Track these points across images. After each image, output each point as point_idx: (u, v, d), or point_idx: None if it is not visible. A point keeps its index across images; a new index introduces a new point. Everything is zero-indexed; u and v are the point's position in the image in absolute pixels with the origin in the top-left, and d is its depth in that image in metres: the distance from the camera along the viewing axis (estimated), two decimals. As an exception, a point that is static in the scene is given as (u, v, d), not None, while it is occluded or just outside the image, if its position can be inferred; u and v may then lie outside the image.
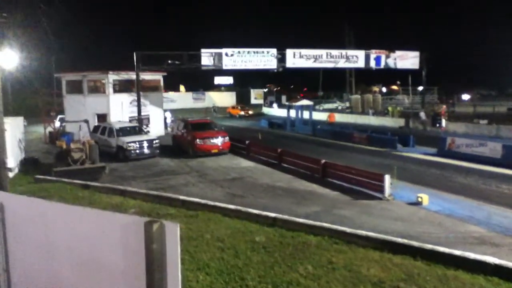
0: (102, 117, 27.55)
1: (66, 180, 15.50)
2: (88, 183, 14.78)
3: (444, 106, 38.74)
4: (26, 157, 20.79)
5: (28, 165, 19.46)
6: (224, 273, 7.02)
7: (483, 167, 17.97)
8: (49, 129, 29.38)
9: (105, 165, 17.79)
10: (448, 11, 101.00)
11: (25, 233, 3.23)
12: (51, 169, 16.85)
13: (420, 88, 45.58)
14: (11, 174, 16.43)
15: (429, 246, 7.95)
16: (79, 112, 25.97)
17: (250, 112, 53.32)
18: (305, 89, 68.49)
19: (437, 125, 32.98)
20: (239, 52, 33.62)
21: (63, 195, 13.06)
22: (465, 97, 66.13)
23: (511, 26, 65.35)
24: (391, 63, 38.06)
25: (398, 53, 38.20)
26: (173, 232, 2.36)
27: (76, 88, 29.69)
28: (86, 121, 20.12)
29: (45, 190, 13.90)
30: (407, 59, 38.65)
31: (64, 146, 17.81)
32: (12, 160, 16.88)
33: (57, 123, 30.51)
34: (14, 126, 18.60)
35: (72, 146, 17.58)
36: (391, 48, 38.27)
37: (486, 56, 58.99)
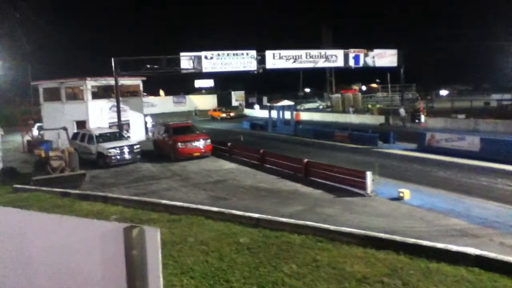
0: (81, 124, 27.16)
1: (45, 188, 15.22)
2: (68, 191, 14.53)
3: (422, 103, 39.26)
4: (3, 167, 20.36)
5: (6, 175, 19.06)
6: (208, 276, 6.96)
7: (462, 160, 18.27)
8: (27, 137, 28.82)
9: (85, 172, 17.55)
10: (423, 10, 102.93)
11: None
12: (30, 178, 16.54)
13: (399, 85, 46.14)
14: (-13, 185, 16.11)
15: (411, 240, 8.03)
16: (58, 120, 25.54)
17: (232, 114, 53.28)
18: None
19: (417, 121, 33.44)
20: (218, 54, 33.49)
21: (43, 204, 12.81)
22: (443, 92, 67.27)
23: (484, 22, 66.90)
24: (369, 61, 38.42)
25: (376, 51, 38.60)
26: (153, 237, 2.30)
27: (53, 95, 29.26)
28: (65, 129, 19.80)
29: (24, 199, 13.63)
30: (385, 57, 39.08)
31: (43, 155, 17.50)
32: (-11, 171, 16.53)
33: (35, 132, 29.95)
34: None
35: (51, 154, 17.30)
36: (369, 47, 38.68)
37: (461, 52, 60.44)
